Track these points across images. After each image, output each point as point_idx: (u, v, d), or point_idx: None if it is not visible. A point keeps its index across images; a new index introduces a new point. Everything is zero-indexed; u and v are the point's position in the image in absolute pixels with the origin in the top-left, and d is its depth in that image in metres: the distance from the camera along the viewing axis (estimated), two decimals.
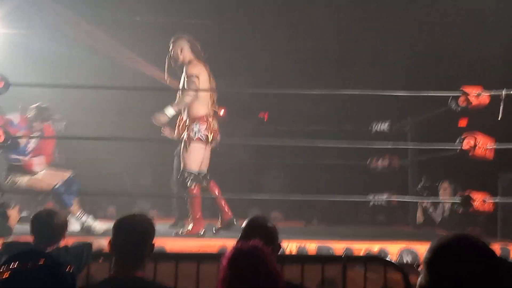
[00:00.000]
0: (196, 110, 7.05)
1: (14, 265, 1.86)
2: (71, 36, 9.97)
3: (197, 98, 7.03)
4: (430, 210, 8.82)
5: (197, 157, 7.08)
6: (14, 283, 1.80)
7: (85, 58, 10.13)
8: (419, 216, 9.02)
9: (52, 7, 9.54)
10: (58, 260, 1.94)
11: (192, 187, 6.98)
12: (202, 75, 7.09)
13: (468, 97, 6.62)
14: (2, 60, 8.49)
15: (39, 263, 1.86)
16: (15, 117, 7.27)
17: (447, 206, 8.64)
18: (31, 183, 7.24)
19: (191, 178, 6.98)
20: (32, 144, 7.28)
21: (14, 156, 7.18)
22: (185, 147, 7.02)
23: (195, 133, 6.98)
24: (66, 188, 7.22)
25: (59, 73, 9.24)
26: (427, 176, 9.34)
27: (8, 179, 7.18)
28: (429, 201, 8.82)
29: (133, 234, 3.18)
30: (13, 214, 6.27)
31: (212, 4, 10.29)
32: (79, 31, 9.89)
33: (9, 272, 1.83)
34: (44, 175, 7.31)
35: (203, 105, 7.10)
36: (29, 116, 7.38)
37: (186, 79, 7.08)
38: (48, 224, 4.18)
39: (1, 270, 1.84)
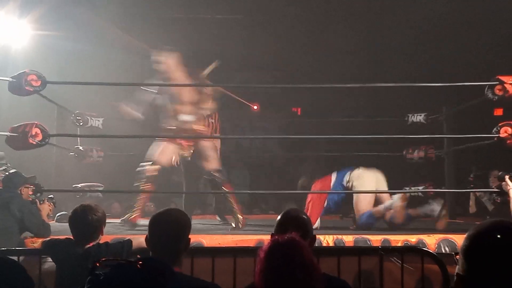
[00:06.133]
0: None
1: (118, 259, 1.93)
2: (102, 36, 10.07)
3: None
4: (484, 198, 8.71)
5: None
6: (114, 275, 1.86)
7: (117, 57, 10.22)
8: (472, 206, 8.91)
9: (82, 9, 9.64)
10: (161, 266, 1.99)
11: None
12: None
13: (505, 85, 6.55)
14: (37, 60, 8.59)
15: (141, 263, 1.91)
16: None
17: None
18: None
19: None
20: None
21: None
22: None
23: None
24: None
25: (92, 73, 9.34)
26: (477, 165, 9.23)
27: None
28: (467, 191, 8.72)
29: (168, 229, 3.19)
30: (44, 208, 6.32)
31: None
32: (110, 31, 9.97)
33: (113, 264, 1.89)
34: None
35: None
36: None
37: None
38: (84, 221, 4.19)
39: (106, 261, 1.91)
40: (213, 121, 8.42)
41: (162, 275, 1.95)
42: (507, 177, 6.64)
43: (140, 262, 1.92)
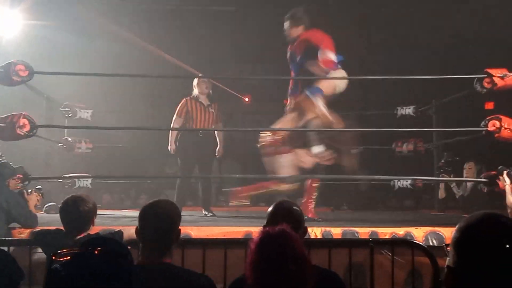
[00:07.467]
0: None
1: (75, 249, 1.89)
2: (92, 27, 10.03)
3: None
4: (453, 184, 8.78)
5: None
6: (73, 267, 1.83)
7: (107, 48, 10.18)
8: (442, 191, 8.97)
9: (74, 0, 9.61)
10: (119, 248, 1.96)
11: None
12: None
13: (493, 78, 6.57)
14: (27, 50, 8.54)
15: (99, 249, 1.88)
16: None
17: (469, 185, 8.60)
18: None
19: None
20: None
21: None
22: None
23: None
24: None
25: (81, 64, 9.30)
26: (449, 153, 9.29)
27: None
28: (454, 180, 8.78)
29: (158, 220, 3.19)
30: (32, 198, 6.26)
31: None
32: (101, 22, 9.92)
33: (70, 255, 1.85)
34: None
35: None
36: None
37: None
38: (75, 212, 4.15)
39: (63, 253, 1.87)
40: (213, 111, 8.37)
41: (122, 256, 1.92)
42: (505, 172, 6.65)
43: (99, 248, 1.89)
